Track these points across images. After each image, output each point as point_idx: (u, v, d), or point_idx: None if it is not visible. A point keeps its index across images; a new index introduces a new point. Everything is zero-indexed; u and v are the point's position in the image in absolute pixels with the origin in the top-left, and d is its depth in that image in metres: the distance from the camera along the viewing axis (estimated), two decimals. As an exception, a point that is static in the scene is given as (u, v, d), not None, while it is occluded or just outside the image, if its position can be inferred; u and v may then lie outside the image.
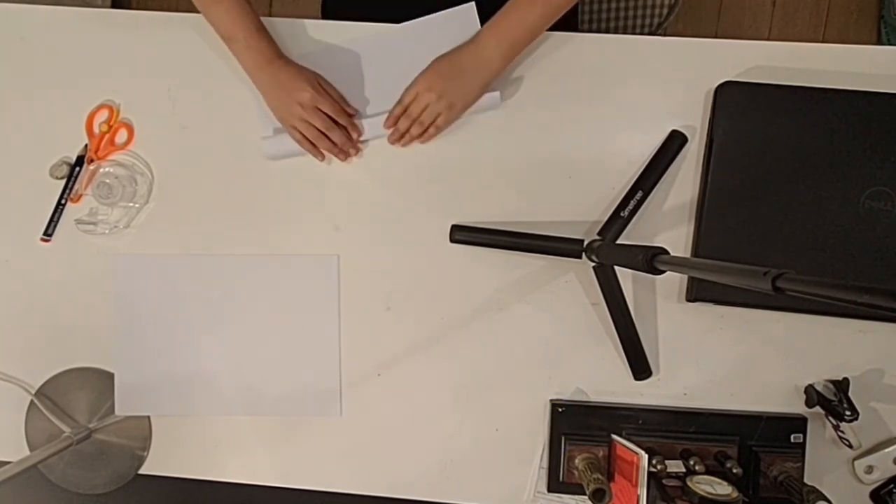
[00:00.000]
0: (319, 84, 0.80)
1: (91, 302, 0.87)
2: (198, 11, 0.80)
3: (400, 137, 0.82)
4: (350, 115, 0.81)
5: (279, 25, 0.84)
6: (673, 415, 0.83)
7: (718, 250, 0.79)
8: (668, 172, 0.82)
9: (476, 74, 0.78)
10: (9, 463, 0.76)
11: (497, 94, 0.81)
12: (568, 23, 0.94)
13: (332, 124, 0.79)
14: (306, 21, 0.84)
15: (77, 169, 0.86)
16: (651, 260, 0.56)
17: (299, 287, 0.85)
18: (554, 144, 0.83)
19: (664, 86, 0.82)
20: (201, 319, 0.86)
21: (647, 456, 0.73)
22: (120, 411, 0.87)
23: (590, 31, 1.04)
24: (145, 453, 0.88)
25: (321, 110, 0.78)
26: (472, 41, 0.78)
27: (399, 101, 0.81)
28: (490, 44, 0.77)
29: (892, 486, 0.83)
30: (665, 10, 0.99)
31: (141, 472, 0.88)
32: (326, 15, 1.03)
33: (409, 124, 0.80)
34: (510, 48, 0.77)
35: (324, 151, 0.82)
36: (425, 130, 0.81)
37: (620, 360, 0.83)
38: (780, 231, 0.79)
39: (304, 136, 0.80)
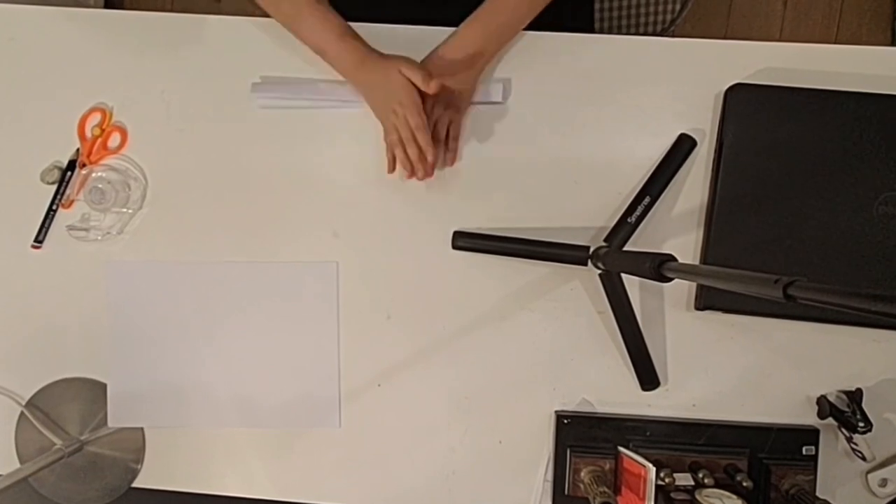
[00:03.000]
0: (414, 92, 0.76)
1: (83, 310, 0.86)
2: (191, 12, 0.80)
3: (430, 169, 0.81)
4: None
5: (273, 28, 0.82)
6: (681, 426, 0.81)
7: (728, 257, 0.78)
8: (676, 177, 0.81)
9: (466, 65, 0.77)
10: (-2, 477, 0.74)
11: (500, 84, 0.80)
12: (584, 22, 0.94)
13: (411, 137, 0.77)
14: None
15: (69, 173, 0.84)
16: (659, 267, 0.55)
17: (297, 295, 0.84)
18: (559, 148, 0.82)
19: (673, 88, 0.81)
20: (196, 328, 0.85)
21: (654, 469, 0.72)
22: (113, 423, 0.86)
23: (601, 29, 1.04)
24: (139, 466, 0.87)
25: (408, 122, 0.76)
26: (454, 35, 0.78)
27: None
28: (473, 34, 0.77)
29: (906, 499, 0.81)
30: (678, 6, 0.99)
31: (134, 485, 0.87)
32: None
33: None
34: (497, 33, 0.77)
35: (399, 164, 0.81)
36: (446, 147, 0.80)
37: (627, 370, 0.82)
38: (792, 237, 0.78)
39: (399, 138, 0.78)
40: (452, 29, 0.79)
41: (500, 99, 0.81)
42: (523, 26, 0.79)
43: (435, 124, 0.79)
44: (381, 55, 0.77)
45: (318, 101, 0.82)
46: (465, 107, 0.80)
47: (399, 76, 0.74)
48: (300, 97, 0.82)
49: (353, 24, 0.79)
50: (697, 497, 0.73)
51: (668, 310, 0.82)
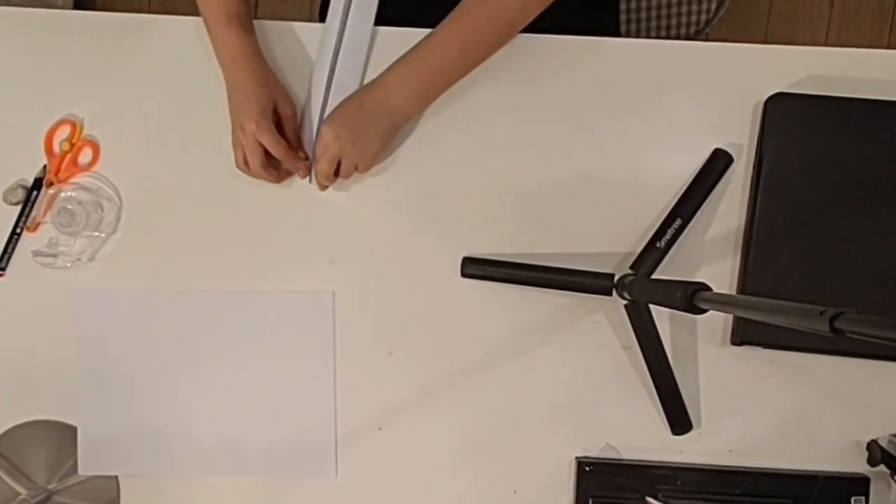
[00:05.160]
0: (274, 111, 0.75)
1: (50, 345, 0.83)
2: (171, 13, 0.78)
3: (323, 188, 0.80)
4: (297, 157, 0.78)
5: (267, 28, 0.81)
6: (716, 474, 0.79)
7: (768, 286, 0.76)
8: (710, 197, 0.78)
9: (384, 119, 0.76)
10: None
11: None
12: (608, 24, 0.93)
13: (264, 164, 0.76)
14: (295, 24, 0.81)
15: (34, 193, 0.82)
16: (691, 297, 0.54)
17: (289, 328, 0.81)
18: (580, 164, 0.80)
19: (707, 98, 0.79)
20: (177, 365, 0.82)
21: (688, 525, 0.69)
22: (84, 470, 0.83)
23: (628, 32, 1.02)
24: (113, 518, 0.83)
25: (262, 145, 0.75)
26: (378, 81, 0.76)
27: (313, 157, 0.79)
28: (395, 87, 0.75)
29: (964, 554, 0.78)
30: (713, 5, 0.97)
31: (109, 538, 0.83)
32: (323, 19, 0.97)
33: (328, 181, 0.78)
34: (417, 96, 0.76)
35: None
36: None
37: (656, 411, 0.79)
38: (839, 264, 0.76)
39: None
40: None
41: None
42: (460, 78, 0.77)
43: (336, 165, 0.77)
44: (262, 67, 0.76)
45: None
46: (377, 151, 0.77)
47: (264, 105, 0.74)
48: None
49: None
50: (736, 555, 0.71)
51: (702, 345, 0.80)
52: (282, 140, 0.75)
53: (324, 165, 0.75)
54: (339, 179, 0.78)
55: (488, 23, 0.72)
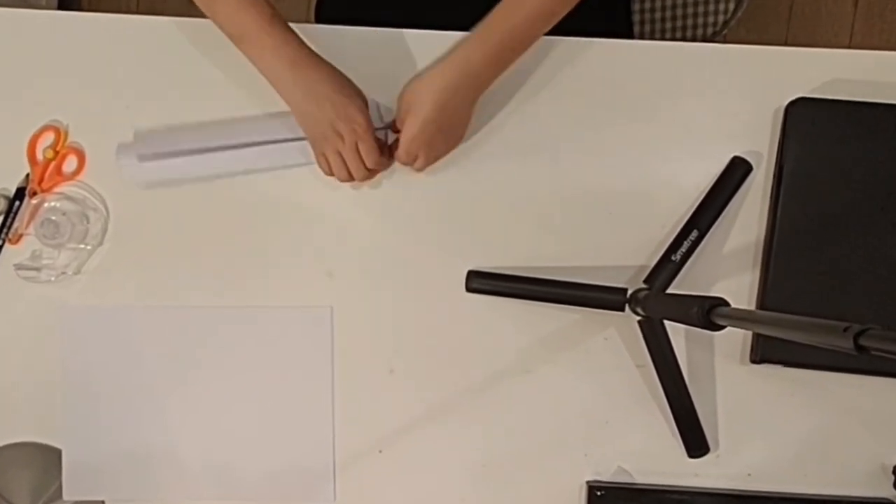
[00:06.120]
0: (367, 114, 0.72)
1: (34, 363, 0.81)
2: (159, 13, 0.77)
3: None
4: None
5: None
6: (735, 499, 0.78)
7: (789, 301, 0.75)
8: (728, 207, 0.77)
9: (471, 95, 0.72)
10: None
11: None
12: (620, 25, 0.91)
13: (360, 167, 0.72)
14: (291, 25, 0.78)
15: (17, 203, 0.80)
16: (708, 313, 0.53)
17: (284, 345, 0.80)
18: (591, 173, 0.79)
19: (725, 103, 0.78)
20: (166, 385, 0.81)
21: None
22: (69, 495, 0.81)
23: (641, 34, 1.01)
24: (100, 545, 0.82)
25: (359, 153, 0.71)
26: (454, 53, 0.72)
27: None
28: (475, 51, 0.70)
29: None
30: (731, 5, 0.95)
31: (95, 566, 0.83)
32: (320, 19, 1.01)
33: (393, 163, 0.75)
34: (498, 60, 0.71)
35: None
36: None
37: (671, 433, 0.78)
38: (864, 278, 0.74)
39: (330, 169, 0.73)
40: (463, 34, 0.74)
41: None
42: (534, 41, 0.73)
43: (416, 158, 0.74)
44: (326, 62, 0.71)
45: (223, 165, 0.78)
46: (460, 137, 0.75)
47: (354, 93, 0.70)
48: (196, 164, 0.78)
49: (359, 29, 0.77)
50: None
51: (719, 363, 0.79)
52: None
53: (402, 155, 0.72)
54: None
55: None
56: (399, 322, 0.80)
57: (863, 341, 0.39)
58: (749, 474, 0.78)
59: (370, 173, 0.74)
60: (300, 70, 0.69)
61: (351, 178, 0.73)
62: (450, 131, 0.73)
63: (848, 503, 0.76)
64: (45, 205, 0.79)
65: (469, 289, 0.78)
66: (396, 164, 0.77)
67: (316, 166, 0.76)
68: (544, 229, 0.78)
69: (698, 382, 0.77)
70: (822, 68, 0.77)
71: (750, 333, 0.77)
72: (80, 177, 0.80)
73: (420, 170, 0.74)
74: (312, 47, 0.75)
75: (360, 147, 0.71)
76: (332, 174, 0.74)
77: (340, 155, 0.71)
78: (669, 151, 0.78)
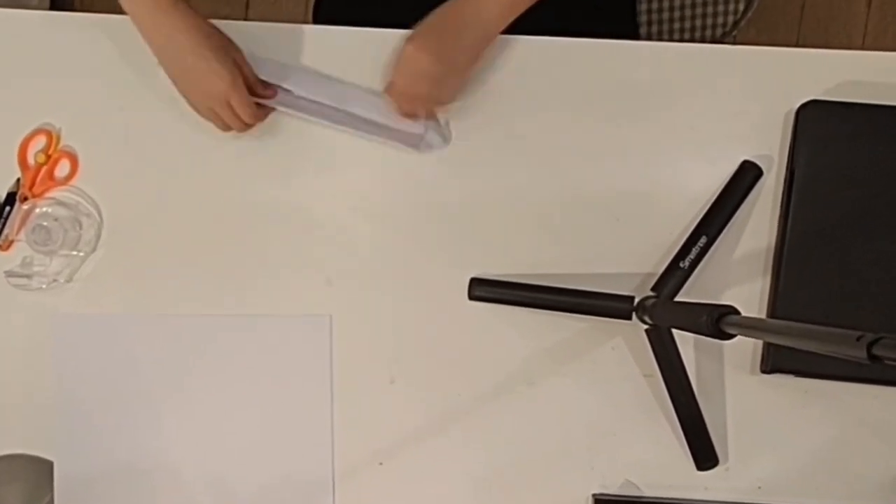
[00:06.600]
0: (237, 66, 0.71)
1: (25, 373, 0.81)
2: None
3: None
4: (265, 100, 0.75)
5: (258, 30, 0.79)
6: None
7: (801, 309, 0.75)
8: (738, 213, 0.77)
9: (475, 29, 0.70)
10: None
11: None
12: (626, 25, 0.91)
13: (236, 121, 0.73)
14: (288, 26, 0.80)
15: (7, 209, 0.79)
16: (717, 322, 0.53)
17: (282, 355, 0.80)
18: (597, 178, 0.78)
19: (734, 106, 0.77)
20: (161, 395, 0.80)
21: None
22: None
23: (648, 35, 1.01)
24: (92, 560, 0.81)
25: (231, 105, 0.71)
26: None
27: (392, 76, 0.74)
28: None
29: None
30: (741, 5, 0.95)
31: (88, 582, 0.82)
32: (318, 19, 1.01)
33: (409, 105, 0.73)
34: (511, 5, 0.70)
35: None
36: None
37: (680, 445, 0.77)
38: (877, 285, 0.74)
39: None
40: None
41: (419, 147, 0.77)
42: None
43: (417, 81, 0.72)
44: (199, 19, 0.70)
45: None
46: (463, 74, 0.72)
47: (219, 45, 0.69)
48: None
49: (358, 30, 0.77)
50: None
51: (729, 373, 0.78)
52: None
53: (401, 81, 0.69)
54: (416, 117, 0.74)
55: None
56: (400, 330, 0.79)
57: (876, 350, 0.39)
58: (759, 487, 0.77)
59: (248, 126, 0.74)
60: (160, 15, 0.68)
61: (229, 128, 0.73)
62: (453, 54, 0.70)
63: (861, 517, 0.75)
64: (37, 210, 0.79)
65: (472, 297, 0.77)
66: (395, 169, 0.77)
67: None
68: (549, 235, 0.78)
69: (707, 393, 0.77)
70: (835, 70, 0.76)
71: (760, 342, 0.76)
72: (73, 181, 0.79)
73: (426, 105, 0.72)
74: (311, 47, 0.75)
75: (232, 102, 0.70)
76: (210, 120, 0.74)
77: (215, 112, 0.72)
78: (677, 155, 0.78)
